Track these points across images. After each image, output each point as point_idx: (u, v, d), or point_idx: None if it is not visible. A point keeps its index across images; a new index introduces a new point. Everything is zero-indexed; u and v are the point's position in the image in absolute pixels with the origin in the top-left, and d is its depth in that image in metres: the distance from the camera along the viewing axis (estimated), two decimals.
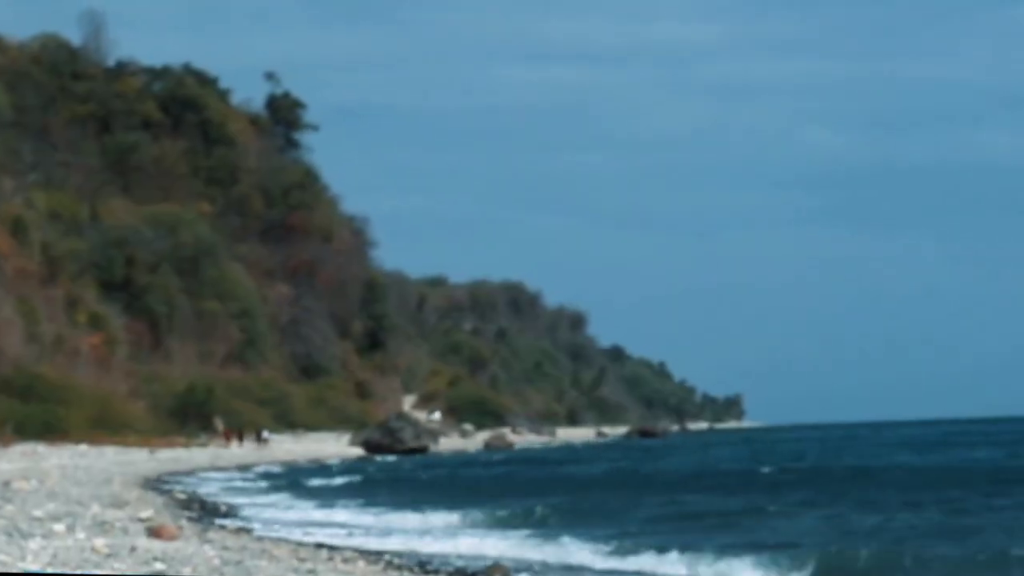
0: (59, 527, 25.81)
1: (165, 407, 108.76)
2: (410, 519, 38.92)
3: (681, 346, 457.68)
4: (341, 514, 41.56)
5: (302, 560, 24.07)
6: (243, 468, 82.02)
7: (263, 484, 62.99)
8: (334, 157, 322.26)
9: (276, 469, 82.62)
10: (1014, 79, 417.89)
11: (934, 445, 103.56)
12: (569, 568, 27.13)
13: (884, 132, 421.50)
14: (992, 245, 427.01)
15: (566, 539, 30.54)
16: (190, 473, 70.74)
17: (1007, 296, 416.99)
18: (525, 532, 33.52)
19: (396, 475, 73.50)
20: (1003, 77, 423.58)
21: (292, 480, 66.18)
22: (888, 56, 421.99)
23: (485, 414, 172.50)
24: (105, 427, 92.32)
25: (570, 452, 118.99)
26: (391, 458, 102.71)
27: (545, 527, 35.23)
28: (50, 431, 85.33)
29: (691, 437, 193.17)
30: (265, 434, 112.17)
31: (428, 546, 30.60)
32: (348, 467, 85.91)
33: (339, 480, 65.28)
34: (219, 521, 36.09)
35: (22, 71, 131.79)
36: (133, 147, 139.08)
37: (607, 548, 28.84)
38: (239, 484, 62.65)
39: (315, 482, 63.48)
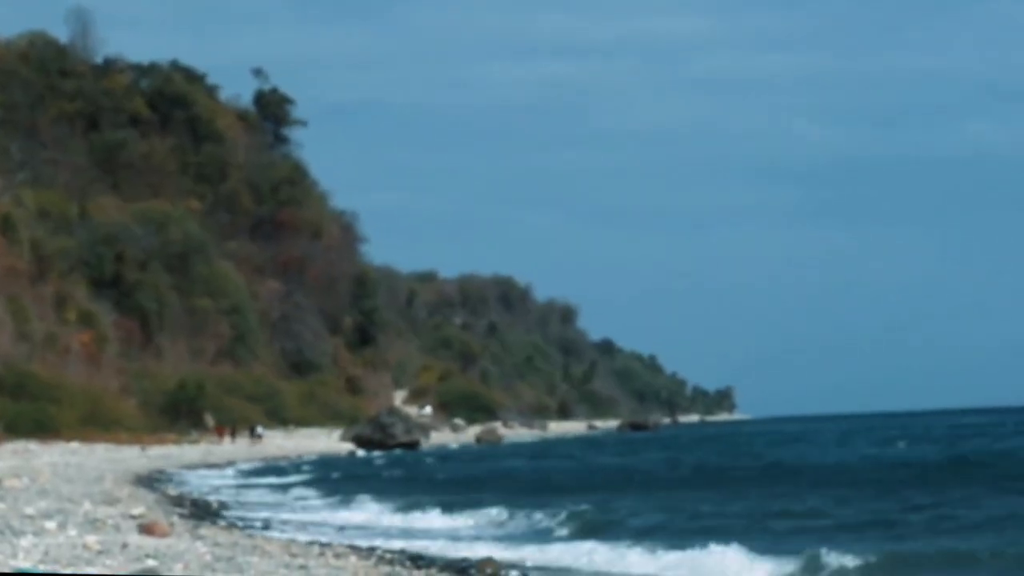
0: (50, 524, 25.82)
1: (156, 404, 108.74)
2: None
3: (672, 339, 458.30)
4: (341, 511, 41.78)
5: (294, 556, 24.12)
6: (234, 464, 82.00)
7: (259, 480, 63.05)
8: (323, 153, 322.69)
9: (274, 464, 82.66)
10: (1005, 71, 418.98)
11: (909, 438, 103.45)
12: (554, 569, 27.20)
13: (875, 125, 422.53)
14: (985, 238, 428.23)
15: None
16: (181, 470, 70.74)
17: (1000, 288, 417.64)
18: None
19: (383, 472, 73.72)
20: (994, 69, 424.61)
21: (283, 475, 66.31)
22: (879, 49, 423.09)
23: (476, 408, 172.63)
24: (96, 424, 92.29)
25: (545, 446, 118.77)
26: (357, 453, 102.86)
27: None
28: (41, 429, 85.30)
29: (682, 430, 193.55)
30: (260, 430, 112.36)
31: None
32: (346, 463, 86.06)
33: (334, 475, 65.45)
34: (211, 517, 36.14)
35: (9, 69, 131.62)
36: (121, 144, 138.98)
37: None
38: (232, 481, 62.68)
39: (306, 478, 63.62)
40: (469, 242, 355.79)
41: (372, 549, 27.53)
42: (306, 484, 57.56)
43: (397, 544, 29.57)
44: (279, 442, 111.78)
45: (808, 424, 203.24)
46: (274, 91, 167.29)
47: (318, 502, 46.46)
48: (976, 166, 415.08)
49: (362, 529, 35.06)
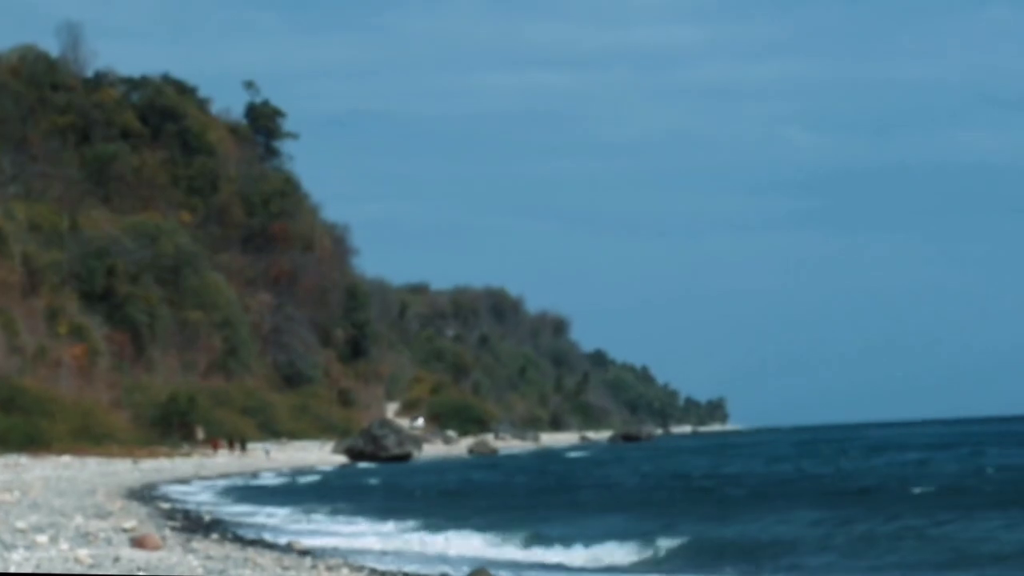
0: (42, 538, 25.79)
1: (147, 417, 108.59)
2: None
3: (664, 350, 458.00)
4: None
5: (286, 568, 24.09)
6: (226, 476, 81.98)
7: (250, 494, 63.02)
8: (314, 164, 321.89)
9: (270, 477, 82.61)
10: (997, 78, 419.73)
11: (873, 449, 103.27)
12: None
13: (868, 133, 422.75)
14: (978, 246, 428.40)
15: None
16: (174, 483, 70.63)
17: (995, 296, 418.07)
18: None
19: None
20: (987, 77, 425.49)
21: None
22: (869, 57, 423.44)
23: (469, 420, 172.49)
24: (88, 438, 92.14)
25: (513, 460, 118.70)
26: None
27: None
28: (32, 443, 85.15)
29: (673, 440, 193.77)
30: (267, 447, 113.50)
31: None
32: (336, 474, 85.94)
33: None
34: (203, 530, 36.07)
35: (0, 83, 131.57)
36: (113, 157, 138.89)
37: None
38: (228, 493, 62.60)
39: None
40: (461, 253, 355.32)
41: (364, 562, 27.52)
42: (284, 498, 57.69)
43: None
44: (271, 455, 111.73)
45: (801, 434, 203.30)
46: (265, 104, 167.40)
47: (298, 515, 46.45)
48: (969, 174, 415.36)
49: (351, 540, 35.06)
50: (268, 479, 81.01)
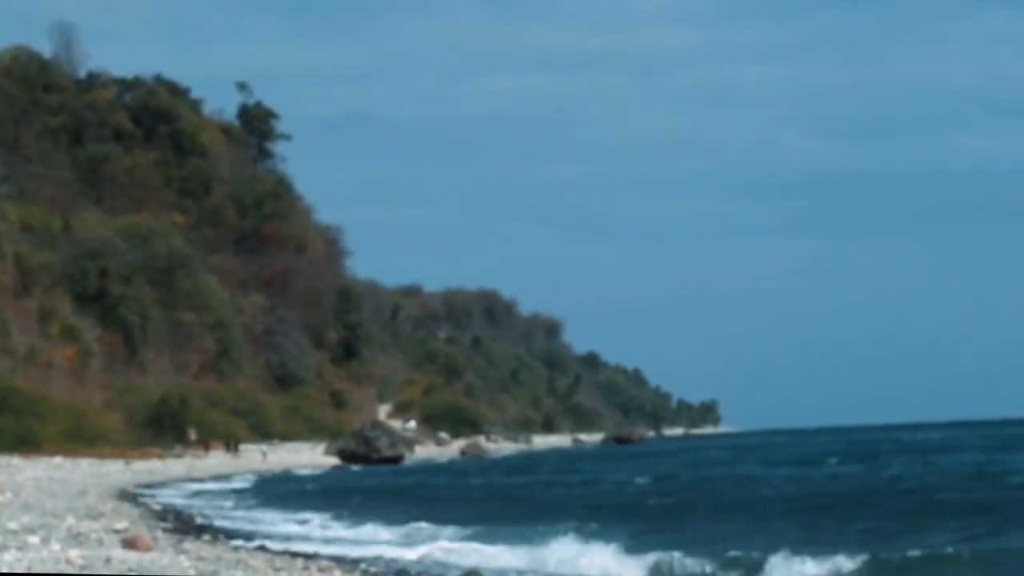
0: (34, 539, 25.76)
1: (139, 418, 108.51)
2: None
3: (657, 353, 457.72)
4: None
5: (277, 570, 24.08)
6: (219, 478, 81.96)
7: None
8: (308, 166, 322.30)
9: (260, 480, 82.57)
10: (992, 83, 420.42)
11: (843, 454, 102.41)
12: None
13: (863, 137, 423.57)
14: (973, 250, 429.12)
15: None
16: (165, 484, 70.61)
17: (989, 300, 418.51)
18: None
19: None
20: (981, 81, 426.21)
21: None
22: (867, 61, 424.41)
23: (461, 422, 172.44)
24: (80, 439, 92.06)
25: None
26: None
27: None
28: (24, 444, 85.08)
29: (665, 443, 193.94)
30: (263, 448, 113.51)
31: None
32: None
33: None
34: (194, 531, 36.07)
35: None
36: (105, 158, 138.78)
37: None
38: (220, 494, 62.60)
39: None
40: (454, 256, 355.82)
41: (357, 562, 27.49)
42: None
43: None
44: (268, 456, 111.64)
45: (778, 437, 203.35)
46: (258, 105, 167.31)
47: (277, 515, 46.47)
48: (965, 178, 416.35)
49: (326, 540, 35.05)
50: (260, 483, 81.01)
